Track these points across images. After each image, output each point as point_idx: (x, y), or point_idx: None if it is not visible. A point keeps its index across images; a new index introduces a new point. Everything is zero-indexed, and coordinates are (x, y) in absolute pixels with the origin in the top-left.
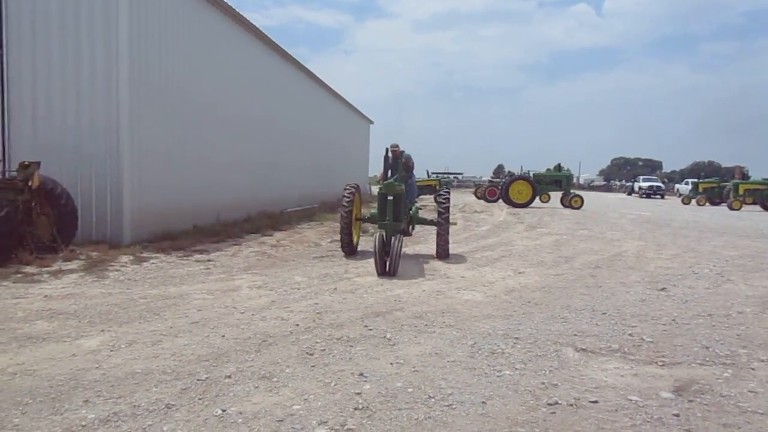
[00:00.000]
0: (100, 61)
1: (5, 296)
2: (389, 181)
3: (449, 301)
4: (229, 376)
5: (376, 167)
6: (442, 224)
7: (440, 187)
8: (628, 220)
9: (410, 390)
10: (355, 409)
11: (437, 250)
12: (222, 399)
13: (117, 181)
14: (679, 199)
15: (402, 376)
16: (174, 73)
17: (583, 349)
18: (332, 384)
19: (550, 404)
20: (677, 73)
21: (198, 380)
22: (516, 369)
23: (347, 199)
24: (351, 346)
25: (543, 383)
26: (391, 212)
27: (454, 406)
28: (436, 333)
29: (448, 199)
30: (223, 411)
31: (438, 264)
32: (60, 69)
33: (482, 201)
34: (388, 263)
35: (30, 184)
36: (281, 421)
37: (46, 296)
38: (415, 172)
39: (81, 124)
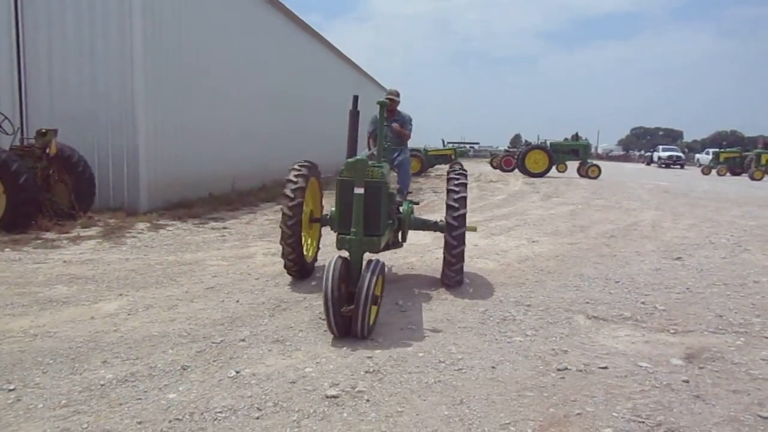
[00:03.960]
0: (114, 28)
1: (26, 261)
2: (359, 157)
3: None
4: (243, 340)
5: None
6: (455, 229)
7: (456, 157)
8: (646, 190)
9: (421, 354)
10: (366, 372)
11: (444, 273)
12: (236, 361)
13: (133, 149)
14: (699, 170)
15: (413, 341)
16: (189, 42)
17: (595, 317)
18: (344, 348)
19: (559, 369)
20: (702, 40)
21: (213, 343)
22: (527, 335)
23: (294, 187)
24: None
25: (553, 349)
26: (361, 217)
27: (464, 371)
28: (448, 300)
29: (464, 184)
30: (237, 372)
31: (446, 296)
32: (75, 37)
33: (498, 171)
34: (359, 317)
35: (47, 151)
36: (293, 382)
37: (65, 261)
38: (428, 141)
39: (97, 92)
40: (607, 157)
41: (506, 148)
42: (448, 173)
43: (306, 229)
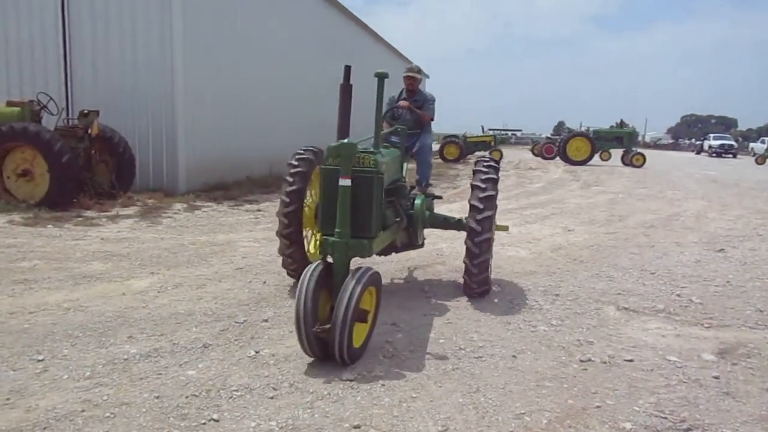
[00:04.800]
0: (155, 15)
1: (66, 238)
2: (347, 141)
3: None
4: (266, 320)
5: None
6: (478, 234)
7: (496, 143)
8: (693, 179)
9: (441, 341)
10: (384, 356)
11: (466, 283)
12: (257, 341)
13: (172, 132)
14: (753, 159)
15: (435, 328)
16: (231, 27)
17: (626, 308)
18: None
19: (582, 361)
20: (758, 22)
21: (236, 323)
22: (552, 325)
23: (294, 171)
24: (389, 296)
25: (578, 340)
26: (347, 215)
27: (483, 359)
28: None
29: (493, 179)
30: (256, 352)
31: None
32: (117, 22)
33: (539, 158)
34: (336, 338)
35: (90, 132)
36: (310, 365)
37: (102, 239)
38: (468, 127)
39: (138, 76)
40: (655, 145)
41: (547, 136)
42: (476, 164)
43: (311, 222)
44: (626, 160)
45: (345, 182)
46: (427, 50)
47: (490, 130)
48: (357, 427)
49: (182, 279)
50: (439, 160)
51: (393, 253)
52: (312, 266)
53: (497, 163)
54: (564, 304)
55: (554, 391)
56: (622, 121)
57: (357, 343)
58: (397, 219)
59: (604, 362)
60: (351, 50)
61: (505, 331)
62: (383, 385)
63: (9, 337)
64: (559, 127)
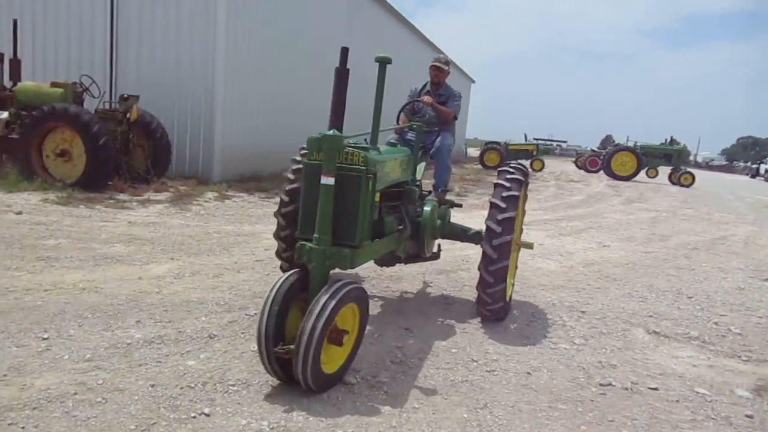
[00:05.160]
0: (200, 3)
1: (95, 219)
2: (331, 133)
3: (520, 267)
4: None
5: (475, 127)
6: (497, 236)
7: (538, 153)
8: (745, 203)
9: (454, 351)
10: (392, 362)
11: (479, 298)
12: None
13: (210, 121)
14: None
15: (449, 336)
16: (271, 18)
17: (656, 332)
18: (375, 335)
19: (602, 384)
20: None
21: (246, 315)
22: (574, 344)
23: (296, 167)
24: (407, 299)
25: (600, 362)
26: (329, 218)
27: (496, 372)
28: None
29: (518, 181)
30: None
31: (485, 322)
32: (163, 10)
33: (582, 171)
34: (299, 360)
35: (128, 116)
36: None
37: (130, 222)
38: (511, 135)
39: (180, 64)
40: (707, 166)
41: (592, 149)
42: (505, 165)
43: None
44: (674, 179)
45: (327, 181)
46: (476, 55)
47: (534, 139)
48: None
49: (201, 267)
50: (479, 167)
51: (397, 265)
52: (285, 276)
53: (526, 167)
54: (590, 323)
55: (567, 415)
56: (672, 138)
57: (329, 368)
58: (400, 227)
59: (626, 388)
60: (396, 51)
61: (523, 345)
62: (386, 392)
63: (20, 313)
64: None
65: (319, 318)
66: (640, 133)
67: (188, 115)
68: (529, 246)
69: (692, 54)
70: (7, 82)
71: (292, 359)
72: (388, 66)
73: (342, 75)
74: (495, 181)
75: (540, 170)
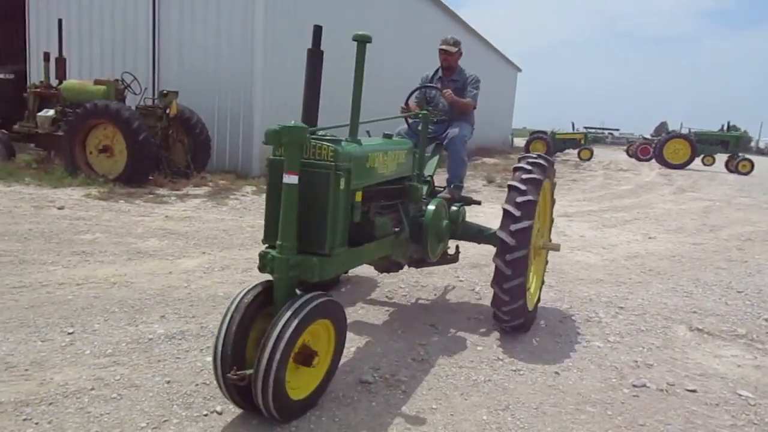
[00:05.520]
0: (239, 2)
1: (133, 213)
2: (293, 124)
3: (557, 260)
4: None
5: (523, 117)
6: (510, 250)
7: (586, 142)
8: None
9: (480, 348)
10: (413, 360)
11: (495, 315)
12: None
13: (249, 116)
14: None
15: (476, 333)
16: (311, 14)
17: (699, 329)
18: (399, 331)
19: (635, 386)
20: None
21: None
22: (608, 342)
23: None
24: (434, 295)
25: (635, 361)
26: (293, 223)
27: (521, 372)
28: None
29: (536, 180)
30: None
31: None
32: (203, 9)
33: (633, 159)
34: (258, 387)
35: (168, 112)
36: None
37: (166, 217)
38: (560, 124)
39: (220, 61)
40: None
41: (644, 136)
42: (519, 160)
43: None
44: (731, 166)
45: (290, 179)
46: (524, 43)
47: (584, 128)
48: None
49: (231, 261)
50: None
51: (397, 271)
52: (248, 287)
53: (548, 161)
54: (627, 319)
55: (594, 418)
56: (729, 124)
57: (299, 393)
58: (396, 229)
59: (661, 390)
60: (433, 36)
61: (554, 343)
62: (404, 391)
63: (51, 307)
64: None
65: (280, 339)
66: (697, 119)
67: (228, 110)
68: (556, 248)
69: (753, 35)
70: (53, 81)
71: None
72: (433, 57)
73: (315, 57)
74: (508, 182)
75: (588, 159)
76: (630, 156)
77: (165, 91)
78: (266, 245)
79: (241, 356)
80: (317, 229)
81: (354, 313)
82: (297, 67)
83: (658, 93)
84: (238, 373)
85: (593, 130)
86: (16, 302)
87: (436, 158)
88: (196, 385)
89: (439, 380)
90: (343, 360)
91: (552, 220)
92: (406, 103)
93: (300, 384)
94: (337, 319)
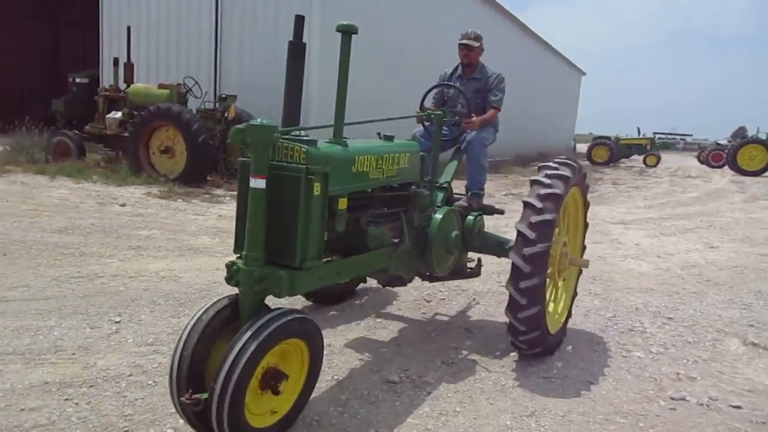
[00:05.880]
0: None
1: (189, 212)
2: (261, 121)
3: (607, 268)
4: (336, 311)
5: (586, 122)
6: (523, 277)
7: (653, 147)
8: None
9: (512, 354)
10: (443, 362)
11: (510, 328)
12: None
13: (304, 117)
14: None
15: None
16: (368, 18)
17: (755, 344)
18: (433, 334)
19: (673, 398)
20: None
21: (305, 307)
22: (650, 352)
23: None
24: (473, 299)
25: (677, 373)
26: (260, 231)
27: (553, 380)
28: (576, 299)
29: (555, 196)
30: None
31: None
32: (263, 17)
33: (704, 166)
34: (213, 412)
35: (226, 115)
36: (362, 360)
37: (220, 216)
38: (626, 129)
39: (277, 67)
40: None
41: (717, 142)
42: (539, 170)
43: None
44: None
45: (256, 184)
46: (589, 46)
47: (654, 133)
48: None
49: None
50: (586, 163)
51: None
52: (213, 301)
53: (573, 168)
54: (674, 330)
55: (624, 429)
56: None
57: (264, 421)
58: (395, 240)
59: (702, 404)
60: (504, 48)
61: (591, 351)
62: (429, 393)
63: (102, 297)
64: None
65: (237, 361)
66: None
67: (408, 126)
68: (584, 265)
69: None
70: (121, 85)
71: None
72: (495, 59)
73: (297, 50)
74: (523, 198)
75: (654, 166)
76: (701, 162)
77: (224, 95)
78: (237, 255)
79: (200, 377)
80: (287, 239)
81: (390, 314)
82: (354, 69)
83: (737, 96)
84: (193, 397)
85: (663, 136)
86: (72, 291)
87: (454, 164)
88: None
89: (467, 384)
90: (372, 359)
91: (586, 226)
92: (422, 106)
93: (266, 410)
94: (312, 339)
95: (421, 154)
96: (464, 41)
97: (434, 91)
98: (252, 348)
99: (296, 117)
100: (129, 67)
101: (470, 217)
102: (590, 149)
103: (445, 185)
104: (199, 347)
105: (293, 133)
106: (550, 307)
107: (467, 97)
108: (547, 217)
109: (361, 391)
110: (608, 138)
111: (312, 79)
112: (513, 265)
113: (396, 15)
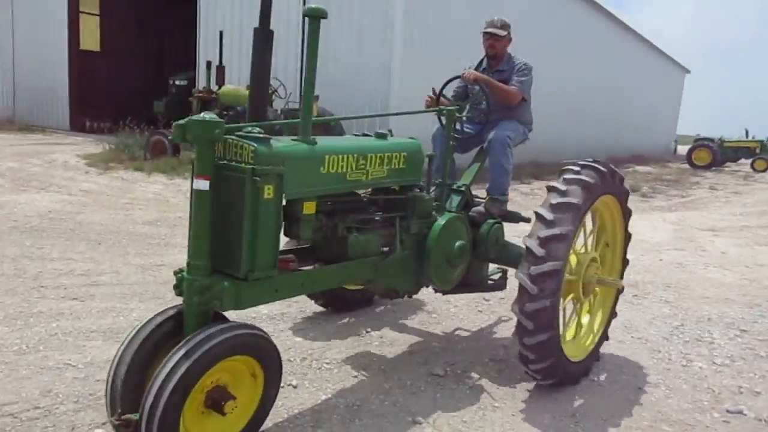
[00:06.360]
0: (379, 11)
1: None
2: (203, 117)
3: (685, 276)
4: (394, 303)
5: (691, 123)
6: (531, 299)
7: (762, 150)
8: None
9: None
10: (491, 359)
11: (519, 355)
12: (374, 322)
13: (385, 125)
14: None
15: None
16: (449, 19)
17: None
18: (485, 332)
19: (729, 411)
20: None
21: (318, 313)
22: (714, 364)
23: None
24: None
25: (739, 387)
26: (204, 238)
27: (601, 384)
28: (642, 306)
29: (571, 206)
30: (367, 331)
31: (641, 301)
32: (347, 13)
33: None
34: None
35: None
36: (412, 353)
37: None
38: (732, 129)
39: (360, 67)
40: None
41: None
42: (559, 173)
43: None
44: None
45: (199, 185)
46: (695, 42)
47: None
48: (417, 422)
49: None
50: (685, 166)
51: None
52: (155, 314)
53: (600, 172)
54: (747, 343)
55: None
56: None
57: None
58: (385, 248)
59: (760, 419)
60: (586, 39)
61: (650, 357)
62: (471, 387)
63: None
64: None
65: (167, 382)
66: None
67: (365, 112)
68: (617, 285)
69: None
70: (213, 86)
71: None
72: (590, 55)
73: (263, 37)
74: (534, 209)
75: (763, 171)
76: None
77: None
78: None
79: (137, 396)
80: (233, 247)
81: (446, 310)
82: (435, 68)
83: None
84: (122, 417)
85: None
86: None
87: (476, 166)
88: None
89: (511, 381)
90: (420, 352)
91: (628, 237)
92: (438, 96)
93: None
94: (265, 357)
95: (428, 154)
96: (489, 30)
97: (456, 83)
98: (185, 367)
99: (262, 110)
100: (221, 69)
101: (486, 225)
102: (690, 152)
103: (462, 188)
104: (134, 363)
105: (247, 129)
106: (573, 331)
107: (488, 95)
108: (559, 231)
109: (404, 381)
110: (711, 140)
111: (394, 69)
112: (519, 284)
113: (478, 24)
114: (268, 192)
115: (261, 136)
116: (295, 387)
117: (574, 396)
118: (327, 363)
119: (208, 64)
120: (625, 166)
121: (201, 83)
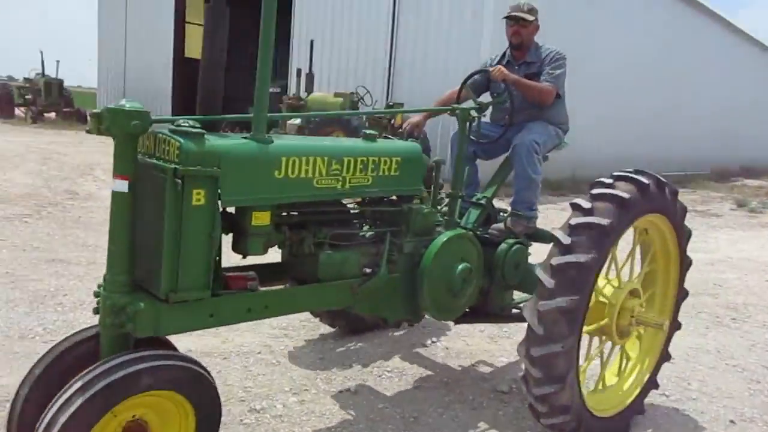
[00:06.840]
0: (468, 21)
1: None
2: (124, 105)
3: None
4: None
5: None
6: (536, 336)
7: None
8: None
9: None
10: None
11: (529, 405)
12: (440, 331)
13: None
14: None
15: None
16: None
17: None
18: None
19: None
20: None
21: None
22: None
23: None
24: None
25: None
26: (122, 249)
27: (686, 412)
28: (741, 330)
29: (595, 226)
30: (433, 342)
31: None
32: (437, 21)
33: None
34: None
35: (393, 121)
36: (475, 366)
37: None
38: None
39: (448, 76)
40: None
41: None
42: (590, 187)
43: None
44: None
45: (118, 186)
46: None
47: None
48: None
49: None
50: None
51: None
52: (62, 338)
53: (642, 187)
54: None
55: None
56: None
57: None
58: (368, 270)
59: None
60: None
61: (746, 388)
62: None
63: None
64: None
65: (54, 421)
66: None
67: (450, 128)
68: (660, 326)
69: None
70: (303, 94)
71: None
72: (690, 60)
73: (216, 14)
74: (552, 229)
75: None
76: None
77: (392, 103)
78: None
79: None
80: (155, 262)
81: (517, 324)
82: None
83: None
84: None
85: None
86: None
87: (501, 176)
88: (343, 365)
89: None
90: (486, 367)
91: (687, 264)
92: (460, 92)
93: None
94: (194, 393)
95: (435, 159)
96: (515, 13)
97: (478, 77)
98: (79, 401)
99: (214, 101)
100: (310, 77)
101: (505, 246)
102: None
103: (483, 201)
104: (37, 388)
105: (178, 122)
106: (607, 380)
107: (512, 93)
108: (576, 258)
109: (466, 395)
110: None
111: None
112: (528, 325)
113: (581, 34)
114: (198, 198)
115: (193, 130)
116: (353, 393)
117: (651, 422)
118: (388, 371)
119: (299, 71)
120: (733, 180)
121: (292, 91)
